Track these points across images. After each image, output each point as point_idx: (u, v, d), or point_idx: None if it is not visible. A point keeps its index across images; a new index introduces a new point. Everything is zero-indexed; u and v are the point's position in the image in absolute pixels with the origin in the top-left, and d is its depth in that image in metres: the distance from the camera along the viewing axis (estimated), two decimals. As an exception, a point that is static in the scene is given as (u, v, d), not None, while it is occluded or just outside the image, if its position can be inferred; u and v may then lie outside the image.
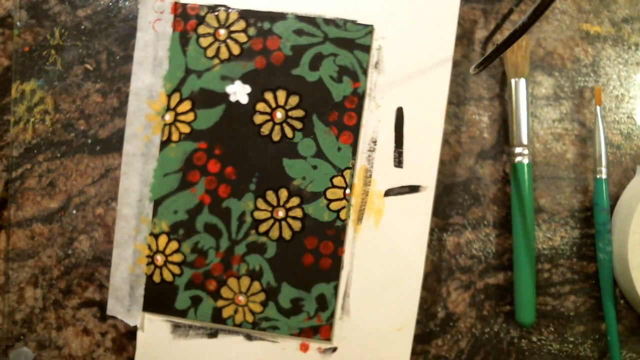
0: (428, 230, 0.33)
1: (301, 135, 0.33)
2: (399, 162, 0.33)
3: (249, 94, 0.33)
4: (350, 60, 0.33)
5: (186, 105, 0.33)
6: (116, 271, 0.34)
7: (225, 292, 0.33)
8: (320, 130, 0.33)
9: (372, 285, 0.33)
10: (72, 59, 0.36)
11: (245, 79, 0.33)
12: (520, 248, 0.33)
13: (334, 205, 0.33)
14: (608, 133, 0.35)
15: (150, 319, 0.33)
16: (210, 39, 0.33)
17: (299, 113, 0.33)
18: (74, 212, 0.36)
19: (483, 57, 0.28)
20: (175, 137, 0.33)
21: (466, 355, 0.35)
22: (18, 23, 0.36)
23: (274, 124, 0.33)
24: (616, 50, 0.36)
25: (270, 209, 0.33)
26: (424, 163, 0.33)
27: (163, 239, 0.33)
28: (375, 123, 0.33)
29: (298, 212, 0.33)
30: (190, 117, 0.33)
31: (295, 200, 0.33)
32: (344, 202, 0.33)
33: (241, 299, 0.33)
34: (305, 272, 0.33)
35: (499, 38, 0.36)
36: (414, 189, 0.33)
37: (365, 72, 0.33)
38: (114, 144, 0.36)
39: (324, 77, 0.33)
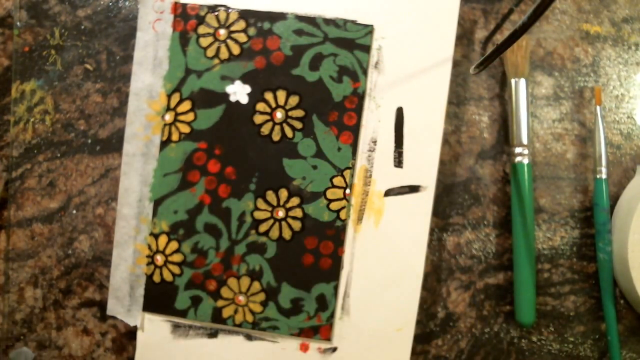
0: (428, 230, 0.33)
1: (301, 135, 0.33)
2: (399, 162, 0.33)
3: (249, 94, 0.33)
4: (350, 60, 0.33)
5: (186, 105, 0.33)
6: (116, 271, 0.34)
7: (225, 292, 0.33)
8: (320, 130, 0.33)
9: (372, 285, 0.33)
10: (72, 59, 0.36)
11: (245, 79, 0.33)
12: (520, 248, 0.33)
13: (334, 205, 0.33)
14: (608, 133, 0.35)
15: (150, 319, 0.33)
16: (210, 39, 0.33)
17: (299, 113, 0.33)
18: (74, 212, 0.36)
19: (483, 57, 0.28)
20: (175, 137, 0.33)
21: (466, 355, 0.35)
22: (18, 23, 0.36)
23: (274, 124, 0.33)
24: (616, 50, 0.36)
25: (270, 209, 0.33)
26: (424, 163, 0.33)
27: (163, 239, 0.33)
28: (375, 123, 0.33)
29: (298, 212, 0.33)
30: (190, 117, 0.33)
31: (295, 200, 0.33)
32: (344, 202, 0.33)
33: (241, 299, 0.33)
34: (305, 272, 0.33)
35: (499, 38, 0.36)
36: (414, 189, 0.33)
37: (365, 72, 0.33)
38: (114, 144, 0.36)
39: (324, 77, 0.33)
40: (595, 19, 0.36)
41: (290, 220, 0.33)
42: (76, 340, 0.35)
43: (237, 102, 0.33)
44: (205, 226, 0.33)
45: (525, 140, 0.34)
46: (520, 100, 0.34)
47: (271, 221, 0.33)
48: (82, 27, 0.36)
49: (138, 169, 0.34)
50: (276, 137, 0.33)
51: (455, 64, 0.35)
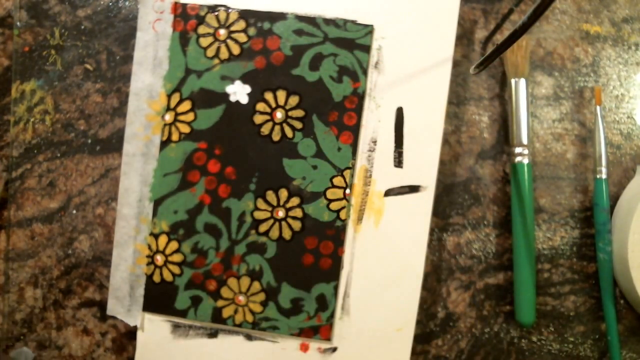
0: (428, 230, 0.33)
1: (301, 135, 0.33)
2: (399, 162, 0.33)
3: (249, 94, 0.33)
4: (350, 60, 0.33)
5: (186, 105, 0.33)
6: (116, 271, 0.34)
7: (225, 292, 0.33)
8: (320, 130, 0.33)
9: (372, 285, 0.33)
10: (72, 59, 0.36)
11: (245, 79, 0.33)
12: (520, 248, 0.33)
13: (334, 205, 0.33)
14: (608, 133, 0.35)
15: (150, 319, 0.33)
16: (210, 39, 0.33)
17: (299, 113, 0.33)
18: (74, 212, 0.36)
19: (483, 57, 0.28)
20: (175, 137, 0.33)
21: (466, 355, 0.35)
22: (18, 23, 0.36)
23: (274, 124, 0.33)
24: (616, 50, 0.36)
25: (270, 209, 0.33)
26: (424, 163, 0.33)
27: (163, 239, 0.33)
28: (375, 123, 0.33)
29: (298, 212, 0.33)
30: (190, 117, 0.33)
31: (295, 200, 0.33)
32: (344, 202, 0.33)
33: (241, 299, 0.33)
34: (305, 272, 0.33)
35: (499, 38, 0.36)
36: (414, 189, 0.33)
37: (365, 72, 0.33)
38: (114, 144, 0.36)
39: (324, 77, 0.33)
40: (595, 19, 0.36)
41: (290, 220, 0.33)
42: (76, 340, 0.35)
43: (237, 102, 0.33)
44: (205, 226, 0.33)
45: (525, 140, 0.34)
46: (520, 100, 0.34)
47: (271, 221, 0.33)
48: (82, 27, 0.36)
49: (138, 169, 0.34)
50: (276, 137, 0.33)
51: (455, 64, 0.35)
